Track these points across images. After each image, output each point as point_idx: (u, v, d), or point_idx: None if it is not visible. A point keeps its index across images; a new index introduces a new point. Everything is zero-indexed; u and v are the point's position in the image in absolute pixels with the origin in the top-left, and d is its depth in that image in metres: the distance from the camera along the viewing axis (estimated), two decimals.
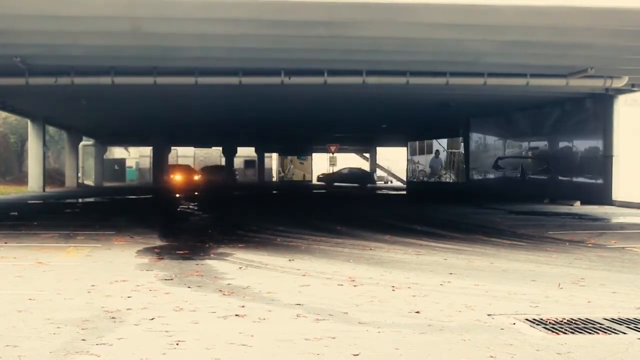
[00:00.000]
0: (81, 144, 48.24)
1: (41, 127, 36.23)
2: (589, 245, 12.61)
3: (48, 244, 11.97)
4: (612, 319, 6.35)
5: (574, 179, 26.77)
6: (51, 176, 42.32)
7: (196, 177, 53.23)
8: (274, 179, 68.75)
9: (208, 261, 10.06)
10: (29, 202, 26.72)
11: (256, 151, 62.42)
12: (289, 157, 66.57)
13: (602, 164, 25.13)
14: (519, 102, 27.20)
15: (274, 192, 42.38)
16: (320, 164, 65.89)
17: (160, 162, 52.60)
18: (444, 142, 41.37)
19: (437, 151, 42.53)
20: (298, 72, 18.47)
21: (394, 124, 38.30)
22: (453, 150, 40.16)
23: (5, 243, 12.02)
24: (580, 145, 26.73)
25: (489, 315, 6.44)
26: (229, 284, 8.02)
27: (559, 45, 14.98)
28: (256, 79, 18.96)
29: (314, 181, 64.73)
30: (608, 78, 19.19)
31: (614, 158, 24.69)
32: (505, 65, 17.85)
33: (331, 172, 53.99)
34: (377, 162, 65.28)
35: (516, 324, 6.11)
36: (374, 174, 56.84)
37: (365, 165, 63.25)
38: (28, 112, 34.81)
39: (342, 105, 28.42)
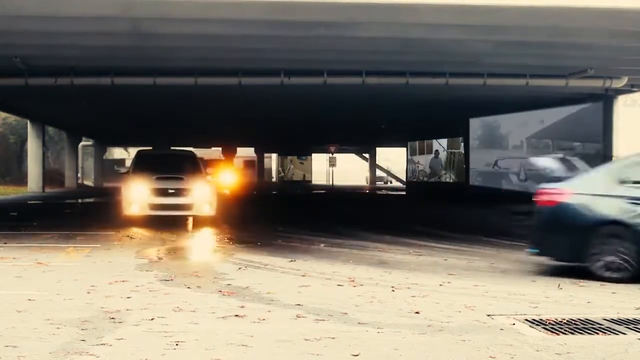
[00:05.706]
0: (81, 144, 48.23)
1: (41, 128, 36.20)
2: None
3: (48, 245, 11.96)
4: (612, 319, 6.35)
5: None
6: (51, 176, 42.27)
7: None
8: (274, 179, 68.69)
9: (208, 261, 10.06)
10: (29, 202, 26.72)
11: (256, 151, 62.34)
12: (289, 157, 66.49)
13: (602, 164, 25.08)
14: (519, 102, 27.19)
15: (274, 192, 42.34)
16: (320, 164, 65.92)
17: None
18: (444, 142, 41.31)
19: (437, 151, 42.48)
20: (298, 72, 18.45)
21: (394, 124, 38.25)
22: (453, 150, 40.11)
23: (5, 243, 12.01)
24: (580, 145, 26.69)
25: (488, 315, 6.44)
26: (228, 284, 8.01)
27: (559, 46, 14.96)
28: (256, 79, 18.93)
29: (314, 181, 64.75)
30: (607, 78, 19.17)
31: (613, 159, 24.68)
32: (505, 66, 17.82)
33: None
34: (377, 162, 65.20)
35: (516, 324, 6.10)
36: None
37: (365, 165, 63.21)
38: (27, 112, 34.77)
39: (342, 105, 28.38)
